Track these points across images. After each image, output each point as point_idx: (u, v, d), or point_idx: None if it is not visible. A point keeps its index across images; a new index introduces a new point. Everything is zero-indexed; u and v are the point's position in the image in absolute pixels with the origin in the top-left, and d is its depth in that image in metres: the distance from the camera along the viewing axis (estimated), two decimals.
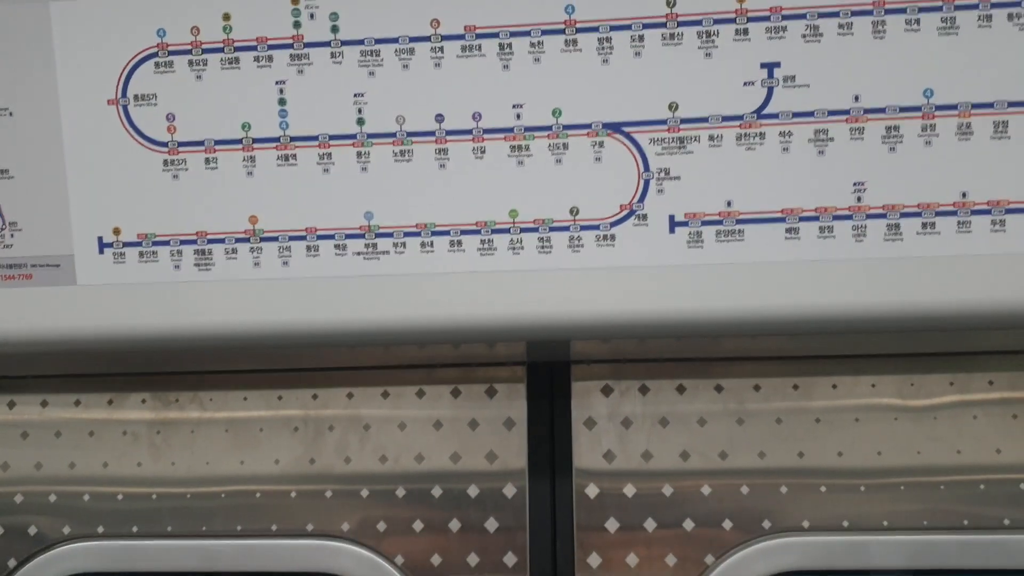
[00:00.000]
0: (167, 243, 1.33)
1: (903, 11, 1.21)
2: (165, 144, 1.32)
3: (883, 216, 1.25)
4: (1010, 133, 1.22)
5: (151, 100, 1.31)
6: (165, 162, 1.32)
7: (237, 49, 1.29)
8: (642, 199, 1.27)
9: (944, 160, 1.23)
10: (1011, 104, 1.22)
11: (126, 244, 1.34)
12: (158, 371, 1.59)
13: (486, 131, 1.27)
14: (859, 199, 1.25)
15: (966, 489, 1.45)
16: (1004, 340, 1.43)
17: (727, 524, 1.47)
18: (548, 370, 1.55)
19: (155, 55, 1.30)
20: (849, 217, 1.25)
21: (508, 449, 1.53)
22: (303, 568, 1.53)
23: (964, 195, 1.24)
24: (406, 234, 1.30)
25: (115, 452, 1.59)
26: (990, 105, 1.22)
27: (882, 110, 1.23)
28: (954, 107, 1.22)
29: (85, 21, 1.30)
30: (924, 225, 1.24)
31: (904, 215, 1.24)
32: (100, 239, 1.34)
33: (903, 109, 1.23)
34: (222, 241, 1.33)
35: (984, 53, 1.21)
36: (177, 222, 1.33)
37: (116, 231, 1.34)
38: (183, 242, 1.33)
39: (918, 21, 1.21)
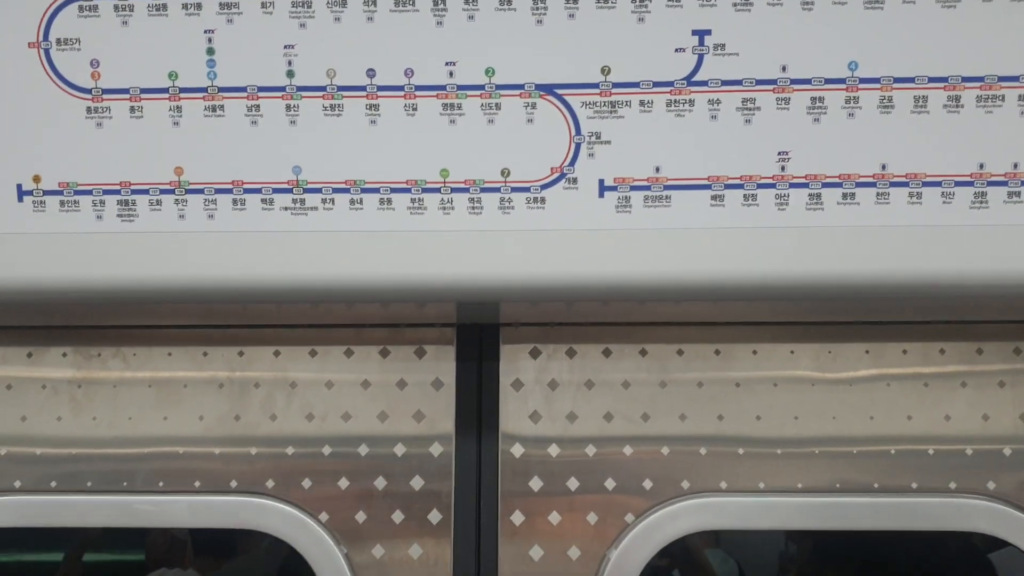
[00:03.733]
0: (89, 192, 1.31)
1: None
2: (89, 91, 1.28)
3: (805, 185, 1.27)
4: (929, 108, 1.26)
5: (74, 45, 1.27)
6: (88, 109, 1.29)
7: None
8: (573, 162, 1.28)
9: (865, 132, 1.27)
10: (931, 79, 1.25)
11: (47, 192, 1.31)
12: (80, 324, 1.56)
13: (418, 88, 1.27)
14: (783, 168, 1.27)
15: (878, 454, 1.50)
16: (918, 311, 1.48)
17: (647, 484, 1.50)
18: (477, 332, 1.56)
19: None
20: (773, 186, 1.28)
21: (436, 409, 1.53)
22: (226, 524, 1.53)
23: (884, 167, 1.27)
24: (335, 190, 1.29)
25: (34, 406, 1.56)
26: (911, 80, 1.25)
27: (808, 81, 1.25)
28: (877, 80, 1.25)
29: None
30: (844, 195, 1.28)
31: (825, 185, 1.28)
32: (19, 187, 1.31)
33: (828, 81, 1.25)
34: (146, 192, 1.30)
35: (908, 29, 1.24)
36: (100, 171, 1.30)
37: (36, 179, 1.31)
38: (106, 192, 1.30)
39: None
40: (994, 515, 1.48)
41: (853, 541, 1.68)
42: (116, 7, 1.26)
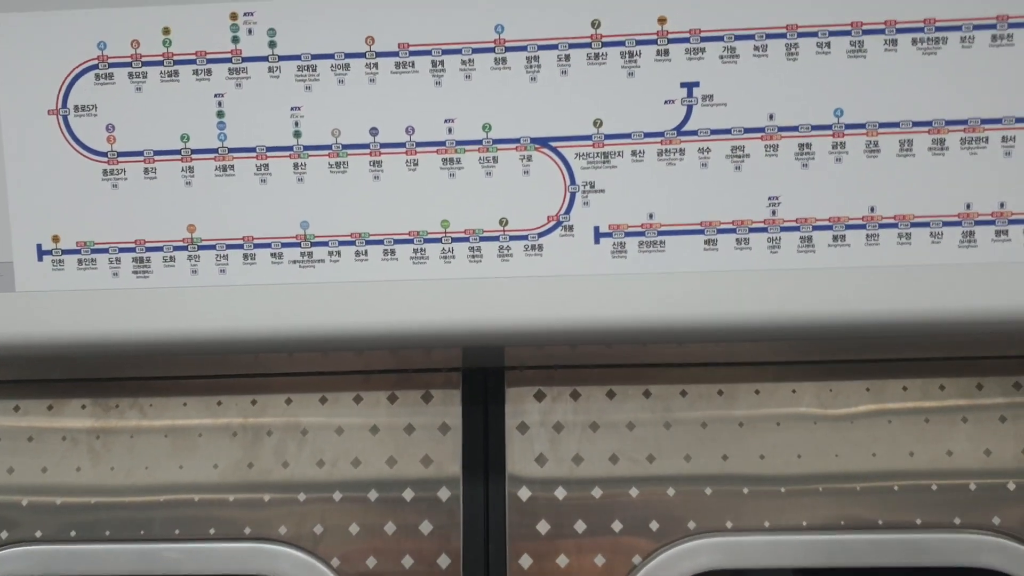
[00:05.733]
0: (105, 251, 1.36)
1: (815, 34, 1.28)
2: (104, 154, 1.34)
3: (796, 229, 1.31)
4: (915, 151, 1.29)
5: (91, 111, 1.33)
6: (104, 171, 1.34)
7: (176, 62, 1.32)
8: (568, 211, 1.32)
9: (853, 176, 1.30)
10: (915, 123, 1.29)
11: (65, 251, 1.36)
12: (98, 377, 1.61)
13: (419, 144, 1.32)
14: (774, 212, 1.31)
15: (881, 490, 1.51)
16: (917, 348, 1.50)
17: (654, 525, 1.52)
18: (483, 376, 1.59)
19: (96, 67, 1.33)
20: (764, 230, 1.31)
21: (443, 453, 1.56)
22: (240, 571, 1.55)
23: (872, 209, 1.30)
24: (341, 243, 1.34)
25: (54, 457, 1.60)
26: (896, 124, 1.29)
27: (795, 128, 1.29)
28: (863, 126, 1.29)
29: (26, 32, 1.32)
30: (835, 238, 1.31)
31: (816, 228, 1.31)
32: (39, 246, 1.37)
33: (815, 127, 1.29)
34: (160, 249, 1.35)
35: (891, 75, 1.28)
36: (116, 230, 1.36)
37: (55, 239, 1.36)
38: (121, 250, 1.36)
39: (829, 44, 1.28)
40: (1000, 550, 1.48)
41: None
42: (131, 74, 1.32)
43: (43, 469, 1.60)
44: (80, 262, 1.36)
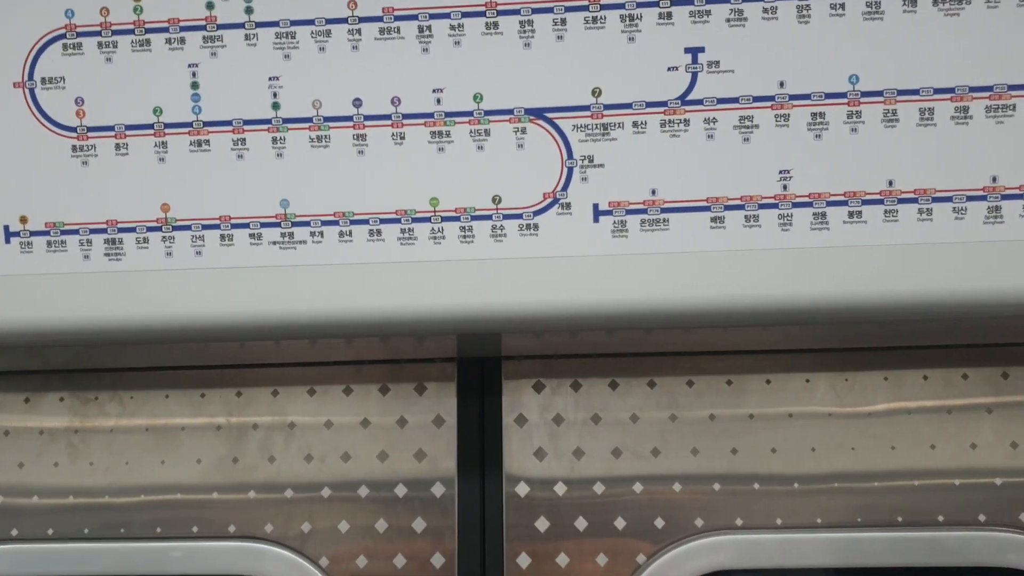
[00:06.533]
0: (76, 232, 1.29)
1: None
2: (74, 129, 1.27)
3: (809, 205, 1.23)
4: (936, 120, 1.21)
5: (59, 83, 1.27)
6: (74, 148, 1.28)
7: (148, 31, 1.25)
8: (565, 187, 1.25)
9: (870, 148, 1.22)
10: (937, 91, 1.21)
11: (33, 233, 1.30)
12: (76, 368, 1.54)
13: (405, 116, 1.24)
14: (785, 187, 1.23)
15: (901, 487, 1.43)
16: (938, 335, 1.42)
17: (659, 523, 1.44)
18: (479, 366, 1.52)
19: (63, 36, 1.26)
20: (775, 206, 1.23)
21: (437, 448, 1.49)
22: (224, 571, 1.49)
23: (891, 183, 1.22)
24: (323, 223, 1.27)
25: (31, 452, 1.54)
26: (916, 92, 1.21)
27: (807, 96, 1.21)
28: (880, 94, 1.21)
29: None
30: (851, 214, 1.23)
31: (830, 203, 1.23)
32: (6, 228, 1.30)
33: (828, 95, 1.21)
34: (133, 230, 1.28)
35: (910, 39, 1.20)
36: (86, 210, 1.29)
37: (23, 220, 1.30)
38: (93, 231, 1.29)
39: (843, 6, 1.20)
40: None
41: None
42: (100, 44, 1.25)
43: (19, 465, 1.54)
44: (49, 244, 1.29)
